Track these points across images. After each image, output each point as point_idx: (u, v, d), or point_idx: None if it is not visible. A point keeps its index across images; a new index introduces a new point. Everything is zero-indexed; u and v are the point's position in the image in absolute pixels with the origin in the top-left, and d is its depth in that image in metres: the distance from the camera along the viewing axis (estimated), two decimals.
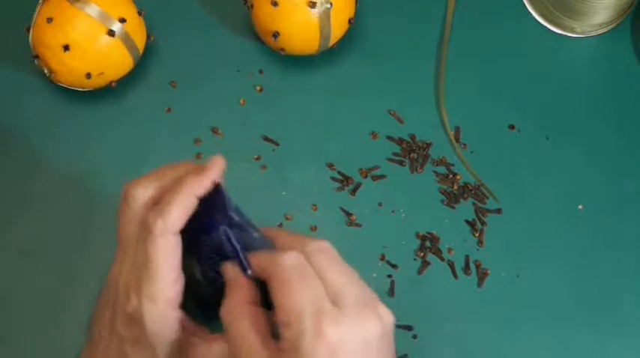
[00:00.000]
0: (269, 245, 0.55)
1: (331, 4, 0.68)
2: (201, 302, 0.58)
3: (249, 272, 0.54)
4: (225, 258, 0.55)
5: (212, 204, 0.55)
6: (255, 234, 0.55)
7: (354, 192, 0.70)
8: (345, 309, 0.51)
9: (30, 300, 0.68)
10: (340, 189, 0.70)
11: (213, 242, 0.55)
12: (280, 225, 0.69)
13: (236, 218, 0.55)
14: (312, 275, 0.52)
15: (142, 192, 0.56)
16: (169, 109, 0.72)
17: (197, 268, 0.56)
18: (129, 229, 0.56)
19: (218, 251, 0.55)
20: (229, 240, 0.54)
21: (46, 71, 0.70)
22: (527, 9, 0.75)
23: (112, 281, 0.56)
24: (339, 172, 0.70)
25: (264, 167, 0.71)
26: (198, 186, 0.55)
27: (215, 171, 0.56)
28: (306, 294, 0.50)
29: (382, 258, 0.68)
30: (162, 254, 0.54)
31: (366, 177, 0.70)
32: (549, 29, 0.74)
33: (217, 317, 0.54)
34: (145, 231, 0.54)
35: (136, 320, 0.54)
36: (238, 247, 0.54)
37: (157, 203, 0.55)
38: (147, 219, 0.54)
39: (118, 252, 0.56)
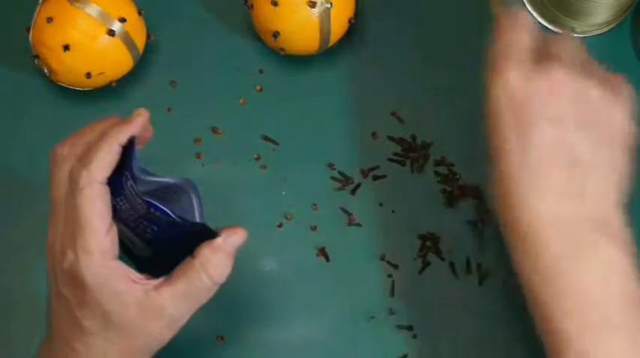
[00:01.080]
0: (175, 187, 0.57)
1: (331, 3, 0.68)
2: (143, 265, 0.58)
3: (173, 216, 0.55)
4: (142, 215, 0.55)
5: (123, 163, 0.55)
6: (165, 179, 0.57)
7: (354, 192, 0.70)
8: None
9: (31, 299, 0.68)
10: (340, 189, 0.70)
11: (128, 200, 0.55)
12: (280, 225, 0.69)
13: (137, 172, 0.56)
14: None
15: (69, 150, 0.56)
16: (169, 109, 0.72)
17: (128, 230, 0.57)
18: (59, 189, 0.56)
19: (133, 208, 0.56)
20: (136, 194, 0.55)
21: (46, 71, 0.70)
22: (527, 9, 0.75)
23: (49, 246, 0.56)
24: (339, 172, 0.70)
25: (264, 167, 0.71)
26: (121, 134, 0.55)
27: (138, 120, 0.56)
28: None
29: (382, 258, 0.68)
30: (90, 204, 0.54)
31: (366, 177, 0.70)
32: (549, 29, 0.74)
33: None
34: (72, 184, 0.54)
35: (75, 278, 0.54)
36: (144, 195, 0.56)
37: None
38: (72, 172, 0.54)
39: (51, 216, 0.56)
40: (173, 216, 0.56)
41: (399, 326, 0.67)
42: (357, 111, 0.72)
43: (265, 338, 0.67)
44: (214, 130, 0.72)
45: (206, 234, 0.56)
